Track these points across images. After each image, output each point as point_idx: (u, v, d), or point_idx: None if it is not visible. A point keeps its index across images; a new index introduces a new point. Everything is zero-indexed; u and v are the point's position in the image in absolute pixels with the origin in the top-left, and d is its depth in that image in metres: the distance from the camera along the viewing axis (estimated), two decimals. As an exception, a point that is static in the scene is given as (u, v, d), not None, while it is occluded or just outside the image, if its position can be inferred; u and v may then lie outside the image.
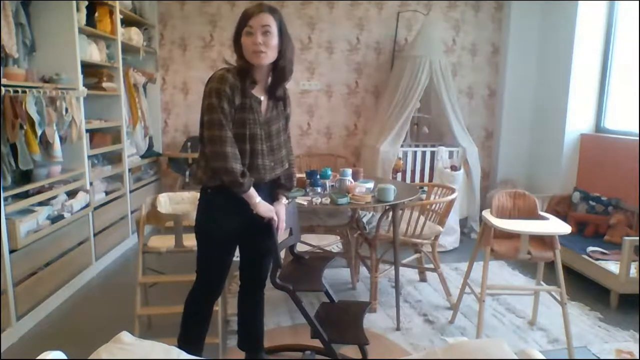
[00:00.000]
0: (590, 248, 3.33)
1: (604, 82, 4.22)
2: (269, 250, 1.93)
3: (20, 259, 2.58)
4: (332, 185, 2.82)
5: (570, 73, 4.26)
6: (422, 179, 4.34)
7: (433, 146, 4.42)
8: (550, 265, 2.52)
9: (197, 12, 4.72)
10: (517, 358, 1.26)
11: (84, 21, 3.29)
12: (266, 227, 1.89)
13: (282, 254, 2.03)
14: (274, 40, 1.76)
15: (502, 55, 4.96)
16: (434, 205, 3.13)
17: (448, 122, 4.28)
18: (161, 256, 2.62)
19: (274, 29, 1.76)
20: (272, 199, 1.96)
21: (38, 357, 1.19)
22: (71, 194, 3.15)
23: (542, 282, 2.72)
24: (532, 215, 2.58)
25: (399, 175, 4.25)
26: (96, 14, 3.59)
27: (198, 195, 1.93)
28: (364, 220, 3.15)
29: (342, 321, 2.10)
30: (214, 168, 1.77)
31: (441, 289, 3.13)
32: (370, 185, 2.75)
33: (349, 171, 2.87)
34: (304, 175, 2.80)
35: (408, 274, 3.52)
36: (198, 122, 1.84)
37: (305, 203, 2.56)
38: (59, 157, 2.83)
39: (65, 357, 1.26)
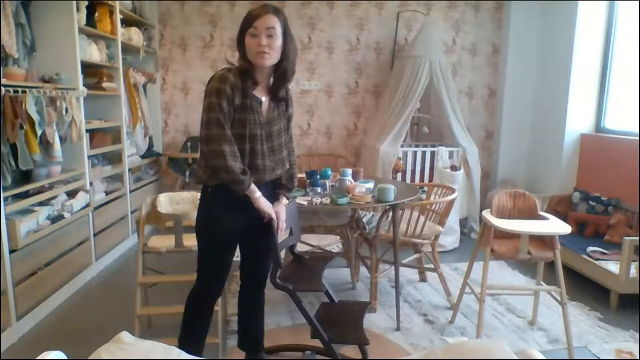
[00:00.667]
0: (590, 248, 3.33)
1: (604, 82, 4.22)
2: (269, 249, 1.93)
3: (20, 259, 2.58)
4: (332, 185, 2.82)
5: (570, 73, 4.26)
6: (422, 179, 4.34)
7: (433, 146, 4.42)
8: (550, 265, 2.52)
9: (197, 12, 4.72)
10: (517, 358, 1.26)
11: (84, 21, 3.29)
12: (266, 226, 1.89)
13: (282, 254, 2.03)
14: (278, 41, 1.76)
15: (502, 55, 4.96)
16: (434, 205, 3.13)
17: (448, 122, 4.28)
18: (161, 256, 2.62)
19: (278, 30, 1.76)
20: (272, 199, 1.96)
21: (38, 357, 1.19)
22: (71, 194, 3.15)
23: (542, 282, 2.72)
24: (532, 215, 2.58)
25: (399, 175, 4.25)
26: (96, 14, 3.59)
27: (198, 195, 1.93)
28: (364, 220, 3.15)
29: (342, 321, 2.10)
30: (213, 166, 1.77)
31: (441, 289, 3.13)
32: (370, 185, 2.75)
33: (349, 171, 2.87)
34: (304, 175, 2.80)
35: (408, 274, 3.52)
36: (198, 122, 1.85)
37: (305, 203, 2.56)
38: (59, 157, 2.83)
39: (65, 357, 1.26)
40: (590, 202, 3.81)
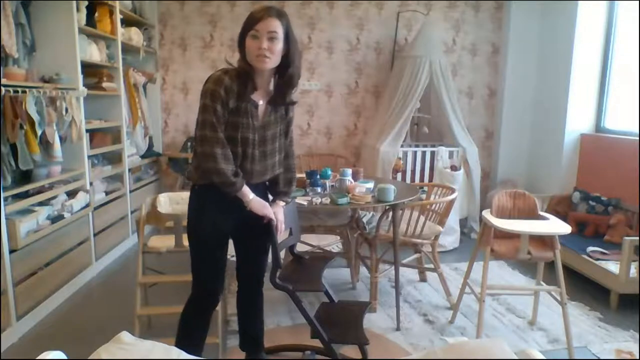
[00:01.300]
0: (590, 248, 3.33)
1: (604, 82, 4.22)
2: (265, 247, 1.92)
3: (20, 259, 2.58)
4: (332, 185, 2.82)
5: (570, 73, 4.26)
6: (422, 179, 4.34)
7: (433, 146, 4.42)
8: (550, 265, 2.52)
9: (197, 12, 4.71)
10: (517, 358, 1.26)
11: (84, 21, 3.29)
12: (265, 226, 1.88)
13: (282, 254, 2.03)
14: (279, 45, 1.74)
15: (502, 55, 4.96)
16: (434, 205, 3.13)
17: (448, 122, 4.28)
18: (161, 256, 2.62)
19: (280, 34, 1.73)
20: (267, 197, 1.96)
21: (38, 357, 1.19)
22: (71, 194, 3.15)
23: (542, 282, 2.72)
24: (532, 215, 2.58)
25: (399, 175, 4.25)
26: (96, 14, 3.59)
27: None
28: (364, 220, 3.15)
29: (342, 321, 2.10)
30: (205, 169, 1.77)
31: (441, 289, 3.13)
32: (370, 185, 2.74)
33: (349, 171, 2.87)
34: (304, 175, 2.80)
35: (408, 274, 3.52)
36: (198, 122, 1.85)
37: (305, 203, 2.56)
38: (59, 157, 2.83)
39: (65, 357, 1.26)
40: (590, 202, 3.81)
